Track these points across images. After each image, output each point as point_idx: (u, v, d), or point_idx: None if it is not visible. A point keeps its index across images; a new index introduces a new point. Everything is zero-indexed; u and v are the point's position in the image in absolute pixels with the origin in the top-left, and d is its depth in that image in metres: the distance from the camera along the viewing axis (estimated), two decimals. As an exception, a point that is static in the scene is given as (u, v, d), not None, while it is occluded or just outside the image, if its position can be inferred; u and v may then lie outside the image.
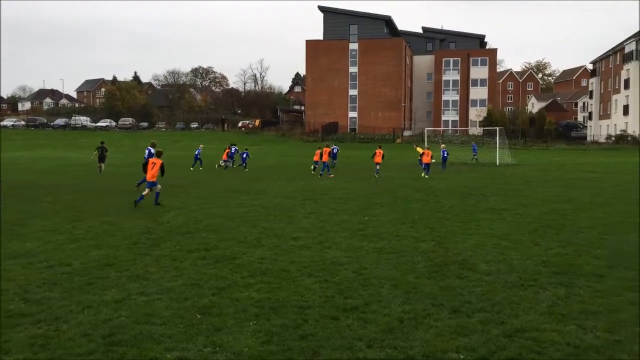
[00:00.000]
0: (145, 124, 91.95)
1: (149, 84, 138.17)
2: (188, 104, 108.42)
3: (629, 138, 67.57)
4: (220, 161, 34.57)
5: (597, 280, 8.40)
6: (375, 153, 28.69)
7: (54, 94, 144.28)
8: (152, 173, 16.78)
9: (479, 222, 13.91)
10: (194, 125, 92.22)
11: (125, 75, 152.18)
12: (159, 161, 16.95)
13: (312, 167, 31.09)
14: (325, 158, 28.75)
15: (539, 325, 6.51)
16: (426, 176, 27.80)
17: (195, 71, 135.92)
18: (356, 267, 9.30)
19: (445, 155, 33.44)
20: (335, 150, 34.07)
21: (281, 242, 11.34)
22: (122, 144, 62.41)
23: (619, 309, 7.10)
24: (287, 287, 8.10)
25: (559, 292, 7.81)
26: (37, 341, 6.02)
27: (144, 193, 16.89)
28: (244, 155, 33.77)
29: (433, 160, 29.48)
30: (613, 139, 69.86)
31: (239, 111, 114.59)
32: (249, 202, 17.65)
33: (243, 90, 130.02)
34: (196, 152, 34.76)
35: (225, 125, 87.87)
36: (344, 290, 7.93)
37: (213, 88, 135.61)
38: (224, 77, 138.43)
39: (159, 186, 16.90)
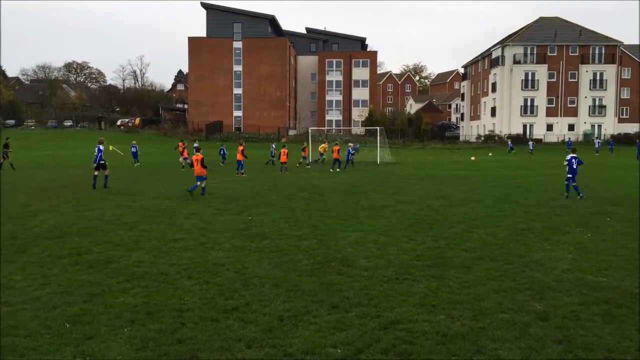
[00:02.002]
0: (12, 122, 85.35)
1: (16, 79, 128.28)
2: (61, 101, 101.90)
3: (496, 138, 72.88)
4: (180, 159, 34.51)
5: (465, 272, 8.96)
6: (281, 153, 31.43)
7: None
8: (198, 168, 18.90)
9: (360, 219, 14.33)
10: (68, 123, 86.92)
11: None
12: (199, 156, 18.94)
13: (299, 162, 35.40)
14: (335, 155, 31.86)
15: (412, 316, 6.82)
16: (338, 170, 31.37)
17: (69, 66, 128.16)
18: (238, 267, 9.22)
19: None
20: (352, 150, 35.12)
21: (161, 245, 10.99)
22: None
23: (484, 297, 7.61)
24: (166, 291, 7.87)
25: (431, 284, 8.23)
26: None
27: (198, 184, 19.15)
28: (134, 150, 35.63)
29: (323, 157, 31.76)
30: (482, 138, 75.01)
31: (118, 109, 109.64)
32: (128, 204, 16.93)
33: (122, 87, 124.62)
34: (133, 150, 36.04)
35: (103, 123, 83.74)
36: (224, 291, 7.84)
37: (89, 84, 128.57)
38: (100, 73, 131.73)
39: (205, 180, 19.22)
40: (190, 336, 6.14)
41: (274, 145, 38.53)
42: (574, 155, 18.85)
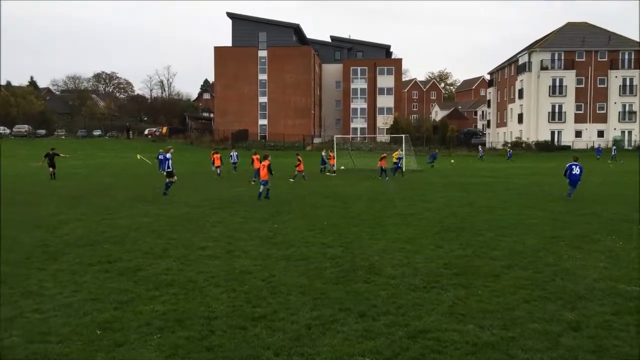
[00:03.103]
0: (43, 132, 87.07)
1: (47, 90, 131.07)
2: (90, 111, 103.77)
3: (523, 144, 72.01)
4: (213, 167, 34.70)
5: (494, 280, 8.84)
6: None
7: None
8: (263, 173, 20.30)
9: (386, 227, 14.27)
10: (97, 132, 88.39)
11: (20, 81, 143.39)
12: (267, 162, 20.33)
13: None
14: (383, 163, 31.75)
15: (441, 325, 6.76)
16: (386, 178, 30.74)
17: (98, 76, 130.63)
18: (265, 275, 9.25)
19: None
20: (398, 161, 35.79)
21: (188, 253, 11.08)
22: (17, 153, 58.69)
23: (514, 306, 7.50)
24: (194, 298, 7.92)
25: (459, 293, 8.14)
26: None
27: (262, 187, 20.37)
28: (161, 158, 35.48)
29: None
30: (509, 145, 74.18)
31: (145, 118, 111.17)
32: (155, 212, 17.13)
33: (149, 97, 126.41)
34: (161, 157, 35.85)
35: (130, 132, 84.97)
36: (252, 299, 7.86)
37: (117, 94, 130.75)
38: (128, 83, 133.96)
39: (268, 184, 20.44)
40: (219, 344, 6.17)
41: (323, 153, 37.94)
42: (575, 162, 20.41)
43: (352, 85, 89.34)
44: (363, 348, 6.04)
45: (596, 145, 67.68)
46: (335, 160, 37.30)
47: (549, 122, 74.43)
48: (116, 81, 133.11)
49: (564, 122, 74.34)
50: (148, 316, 7.11)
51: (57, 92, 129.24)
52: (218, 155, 34.54)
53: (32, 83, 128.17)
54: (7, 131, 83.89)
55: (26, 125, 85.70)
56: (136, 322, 6.90)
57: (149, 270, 9.56)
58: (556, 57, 74.78)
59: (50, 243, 12.00)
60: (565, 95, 74.20)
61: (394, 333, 6.49)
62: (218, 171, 33.66)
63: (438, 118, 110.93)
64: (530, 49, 76.11)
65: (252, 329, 6.64)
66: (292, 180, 29.86)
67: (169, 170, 22.19)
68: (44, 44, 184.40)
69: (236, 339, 6.33)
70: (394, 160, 36.02)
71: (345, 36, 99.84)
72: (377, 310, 7.33)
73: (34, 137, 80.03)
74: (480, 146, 56.49)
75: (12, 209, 17.79)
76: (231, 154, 38.23)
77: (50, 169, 30.74)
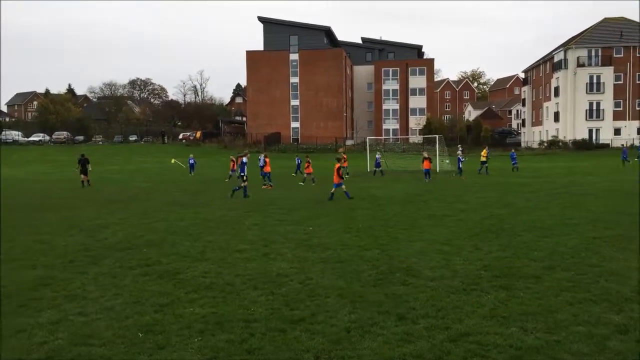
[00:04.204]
0: (81, 138, 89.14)
1: (84, 97, 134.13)
2: (126, 117, 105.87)
3: (560, 143, 70.58)
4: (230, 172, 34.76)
5: (536, 282, 8.65)
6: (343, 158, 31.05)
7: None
8: (335, 176, 21.29)
9: (422, 228, 14.12)
10: (133, 138, 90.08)
11: (58, 88, 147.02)
12: (337, 165, 21.52)
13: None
14: (427, 165, 30.91)
15: (482, 328, 6.63)
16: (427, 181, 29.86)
17: (133, 83, 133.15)
18: (302, 278, 9.24)
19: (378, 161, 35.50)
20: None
21: (225, 255, 11.16)
22: (57, 159, 60.19)
23: (557, 309, 7.32)
24: (232, 301, 7.96)
25: (500, 295, 7.99)
26: (-34, 370, 5.68)
27: (334, 190, 21.29)
28: (191, 162, 38.15)
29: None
30: (545, 144, 72.79)
31: (179, 123, 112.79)
32: (191, 216, 17.32)
33: (183, 102, 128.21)
34: (191, 162, 38.36)
35: (165, 137, 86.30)
36: (290, 302, 7.86)
37: (152, 100, 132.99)
38: (163, 89, 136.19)
39: (343, 186, 21.36)
40: (259, 346, 6.18)
41: (378, 155, 37.68)
42: None
43: (384, 87, 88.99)
44: (404, 351, 5.97)
45: (638, 143, 65.66)
46: (347, 162, 36.48)
47: (586, 119, 72.75)
48: (151, 87, 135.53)
49: (602, 119, 72.57)
50: (188, 319, 7.16)
51: (94, 99, 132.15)
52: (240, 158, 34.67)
53: (70, 90, 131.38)
54: (47, 138, 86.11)
55: (65, 132, 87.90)
56: (177, 324, 6.96)
57: (187, 273, 9.66)
58: (593, 54, 73.08)
59: (91, 247, 12.23)
60: (603, 92, 72.42)
61: (434, 336, 6.40)
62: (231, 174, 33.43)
63: (471, 118, 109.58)
64: (566, 45, 74.57)
65: (292, 332, 6.63)
66: (301, 183, 29.85)
67: (242, 174, 22.51)
68: (81, 51, 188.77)
69: (276, 341, 6.33)
70: (483, 158, 36.21)
71: (376, 37, 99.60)
72: (417, 313, 7.25)
73: (72, 144, 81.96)
74: (512, 150, 46.78)
75: (53, 214, 18.21)
76: (259, 157, 38.39)
77: (82, 176, 29.87)
